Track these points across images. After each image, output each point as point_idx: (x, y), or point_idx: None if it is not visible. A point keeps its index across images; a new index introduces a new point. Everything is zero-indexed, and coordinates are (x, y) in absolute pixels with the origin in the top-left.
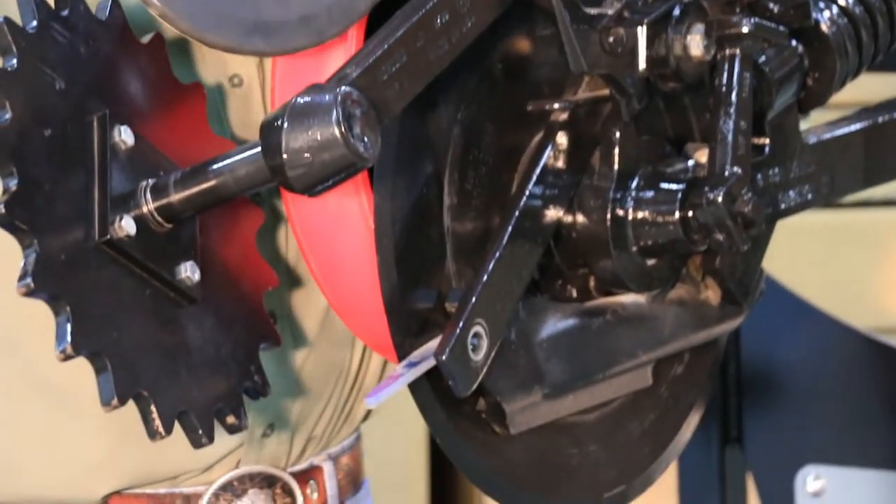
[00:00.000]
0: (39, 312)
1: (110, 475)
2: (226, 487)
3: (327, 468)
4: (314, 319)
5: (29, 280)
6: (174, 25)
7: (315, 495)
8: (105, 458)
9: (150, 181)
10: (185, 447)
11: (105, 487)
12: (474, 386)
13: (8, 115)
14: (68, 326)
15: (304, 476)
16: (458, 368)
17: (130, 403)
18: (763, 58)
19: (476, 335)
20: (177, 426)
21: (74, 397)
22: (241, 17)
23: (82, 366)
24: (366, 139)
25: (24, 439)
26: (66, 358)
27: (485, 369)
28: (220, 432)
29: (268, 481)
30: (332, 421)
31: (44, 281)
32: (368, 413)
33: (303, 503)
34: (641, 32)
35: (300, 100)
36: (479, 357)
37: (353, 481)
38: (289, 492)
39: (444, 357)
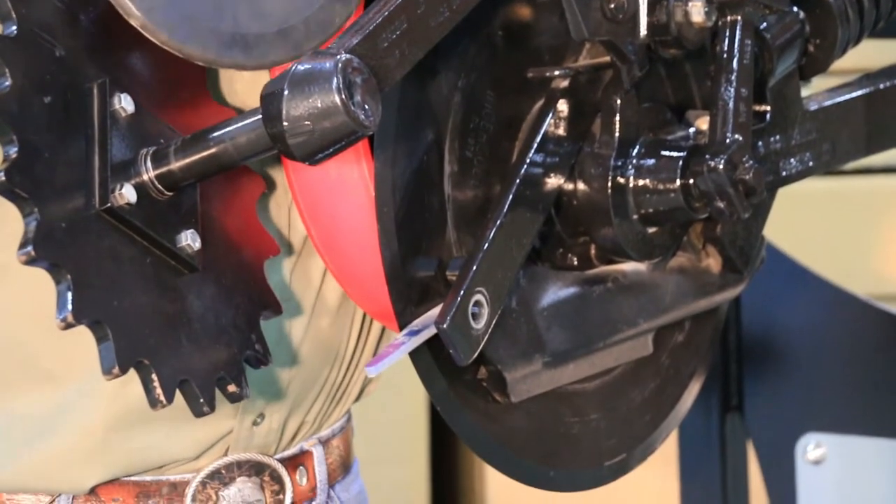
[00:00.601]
0: (36, 301)
1: (101, 464)
2: (213, 475)
3: (317, 453)
4: (307, 302)
5: (30, 248)
6: (154, 37)
7: (304, 481)
8: (96, 448)
9: (151, 149)
10: (176, 435)
11: (95, 477)
12: (475, 354)
13: (7, 83)
14: (69, 295)
15: (294, 462)
16: (458, 337)
17: (124, 390)
18: (764, 24)
19: (477, 303)
20: (168, 412)
21: (67, 386)
22: (220, 30)
23: (76, 355)
24: (366, 107)
25: (16, 428)
26: (67, 326)
27: (485, 338)
28: (209, 420)
29: (256, 469)
30: (324, 406)
31: (44, 249)
32: (360, 394)
33: (291, 490)
34: None
35: (300, 67)
36: (479, 325)
37: (343, 464)
38: (277, 479)
39: (444, 325)
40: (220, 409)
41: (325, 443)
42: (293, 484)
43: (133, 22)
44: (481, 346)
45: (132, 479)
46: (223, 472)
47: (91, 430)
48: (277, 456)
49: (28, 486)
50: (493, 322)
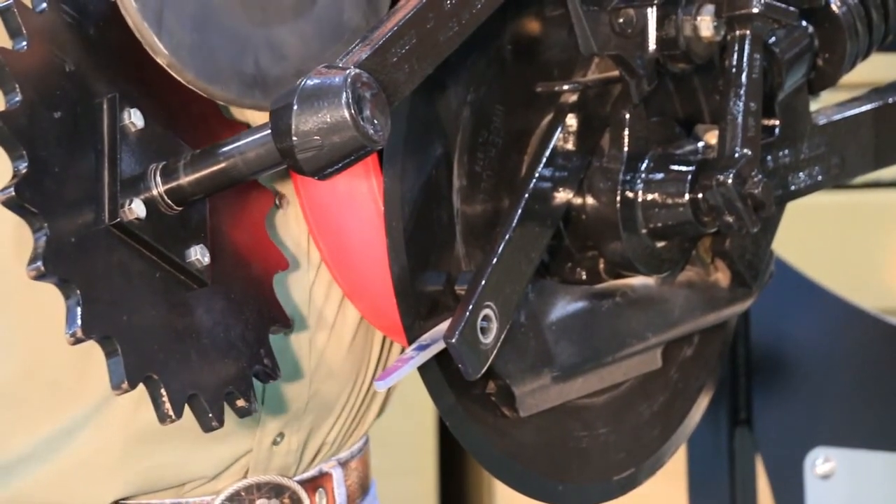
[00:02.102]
0: (51, 313)
1: (119, 481)
2: (232, 498)
3: (336, 475)
4: (328, 318)
5: (39, 263)
6: (180, 76)
7: (324, 502)
8: (115, 463)
9: (160, 164)
10: (195, 453)
11: (113, 493)
12: (484, 369)
13: (18, 98)
14: (78, 310)
15: (313, 484)
16: (467, 351)
17: (142, 406)
18: (773, 38)
19: (486, 318)
20: (187, 429)
21: (86, 402)
22: (243, 71)
23: (94, 371)
24: (375, 122)
25: (34, 443)
26: (77, 341)
27: (494, 352)
28: (228, 438)
29: (275, 491)
30: (345, 426)
31: (54, 264)
32: (379, 413)
33: None
34: (651, 13)
35: (310, 82)
36: (488, 340)
37: (361, 486)
38: (297, 501)
39: (453, 340)
40: (239, 428)
41: (344, 464)
42: None
43: (160, 60)
44: (490, 360)
45: (151, 501)
46: (243, 494)
47: (109, 446)
48: (297, 478)
49: (47, 501)
50: (502, 336)
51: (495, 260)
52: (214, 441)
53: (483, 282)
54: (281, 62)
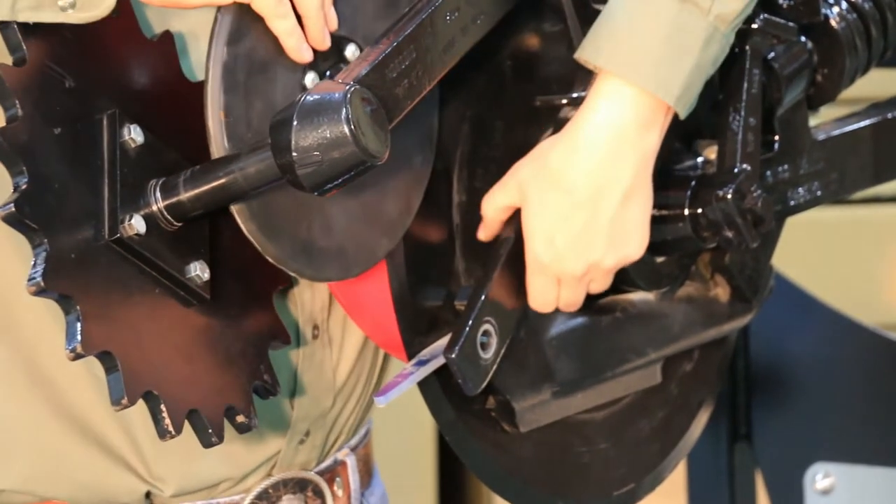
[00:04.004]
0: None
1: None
2: (261, 496)
3: (350, 462)
4: (337, 325)
5: (39, 279)
6: (245, 225)
7: (341, 492)
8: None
9: (160, 179)
10: (228, 458)
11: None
12: (484, 384)
13: (18, 114)
14: (78, 325)
15: (332, 474)
16: (467, 367)
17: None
18: (772, 54)
19: (486, 333)
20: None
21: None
22: (297, 236)
23: None
24: (376, 137)
25: (69, 446)
26: (77, 357)
27: (494, 367)
28: (260, 442)
29: (300, 485)
30: (357, 417)
31: (54, 280)
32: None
33: (332, 502)
34: None
35: (310, 98)
36: (488, 355)
37: (368, 471)
38: (319, 493)
39: (453, 355)
40: (272, 431)
41: (354, 450)
42: (333, 496)
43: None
44: (490, 375)
45: (183, 502)
46: (270, 491)
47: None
48: (315, 469)
49: (86, 498)
50: (502, 352)
51: (495, 275)
52: (247, 445)
53: (483, 297)
54: (327, 233)
